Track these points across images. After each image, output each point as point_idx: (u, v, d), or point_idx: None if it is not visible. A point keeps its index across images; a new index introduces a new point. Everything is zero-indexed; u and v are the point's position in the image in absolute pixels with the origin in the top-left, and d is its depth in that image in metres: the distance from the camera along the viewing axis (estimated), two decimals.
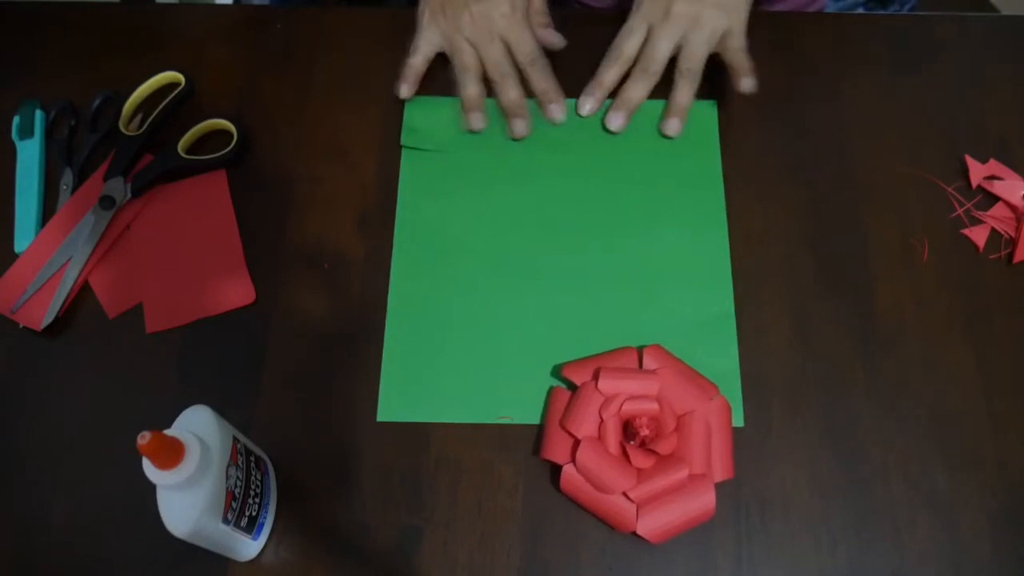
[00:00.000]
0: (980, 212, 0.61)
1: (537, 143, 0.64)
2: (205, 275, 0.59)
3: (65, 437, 0.55)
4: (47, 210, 0.62)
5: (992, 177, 0.62)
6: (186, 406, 0.46)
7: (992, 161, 0.63)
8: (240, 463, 0.47)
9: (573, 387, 0.54)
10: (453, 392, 0.56)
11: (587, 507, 0.51)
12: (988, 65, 0.67)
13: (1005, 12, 1.51)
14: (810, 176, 0.63)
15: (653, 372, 0.54)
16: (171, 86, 0.66)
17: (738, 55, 0.62)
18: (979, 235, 0.60)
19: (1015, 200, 0.61)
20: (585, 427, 0.52)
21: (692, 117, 0.64)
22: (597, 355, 0.56)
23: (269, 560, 0.51)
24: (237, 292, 0.58)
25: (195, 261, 0.60)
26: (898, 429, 0.54)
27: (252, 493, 0.48)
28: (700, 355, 0.56)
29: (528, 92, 0.65)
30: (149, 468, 0.42)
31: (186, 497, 0.43)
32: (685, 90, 0.63)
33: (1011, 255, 0.59)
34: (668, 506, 0.50)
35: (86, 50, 0.68)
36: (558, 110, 0.64)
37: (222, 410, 0.47)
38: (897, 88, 0.66)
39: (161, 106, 0.64)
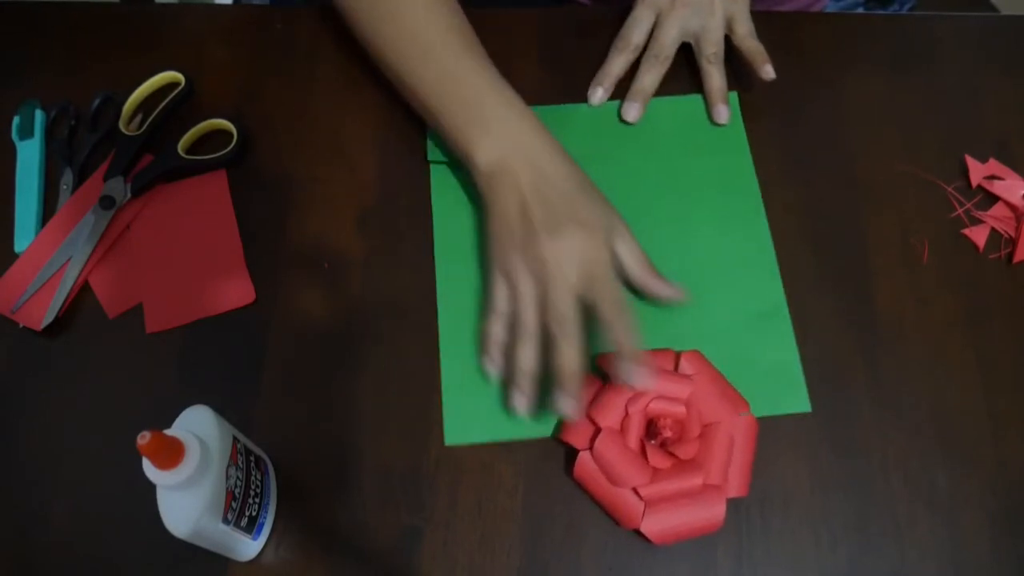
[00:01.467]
0: (980, 212, 0.61)
1: (568, 149, 0.63)
2: (205, 275, 0.59)
3: (65, 437, 0.55)
4: (47, 210, 0.62)
5: (992, 177, 0.62)
6: (186, 406, 0.46)
7: (992, 161, 0.63)
8: (240, 463, 0.47)
9: (607, 378, 0.54)
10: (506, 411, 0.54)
11: (596, 497, 0.51)
12: (988, 65, 0.67)
13: (1005, 12, 1.51)
14: (810, 175, 0.63)
15: (687, 376, 0.53)
16: (171, 86, 0.66)
17: (750, 41, 0.63)
18: (979, 235, 0.60)
19: (1015, 200, 0.61)
20: (609, 417, 0.52)
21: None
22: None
23: (269, 560, 0.51)
24: (237, 292, 0.58)
25: (195, 261, 0.60)
26: (898, 427, 0.54)
27: (252, 493, 0.48)
28: (756, 349, 0.56)
29: None
30: (149, 468, 0.42)
31: (186, 497, 0.43)
32: (717, 75, 0.64)
33: (1011, 255, 0.59)
34: (677, 510, 0.50)
35: (86, 50, 0.68)
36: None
37: (222, 410, 0.47)
38: (897, 88, 0.66)
39: (161, 106, 0.64)
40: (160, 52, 0.68)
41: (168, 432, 0.42)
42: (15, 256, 0.60)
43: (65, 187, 0.62)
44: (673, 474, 0.51)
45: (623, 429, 0.52)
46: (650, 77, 0.64)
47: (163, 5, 0.74)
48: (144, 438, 0.39)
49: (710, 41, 0.63)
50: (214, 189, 0.62)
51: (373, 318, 0.58)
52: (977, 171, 0.62)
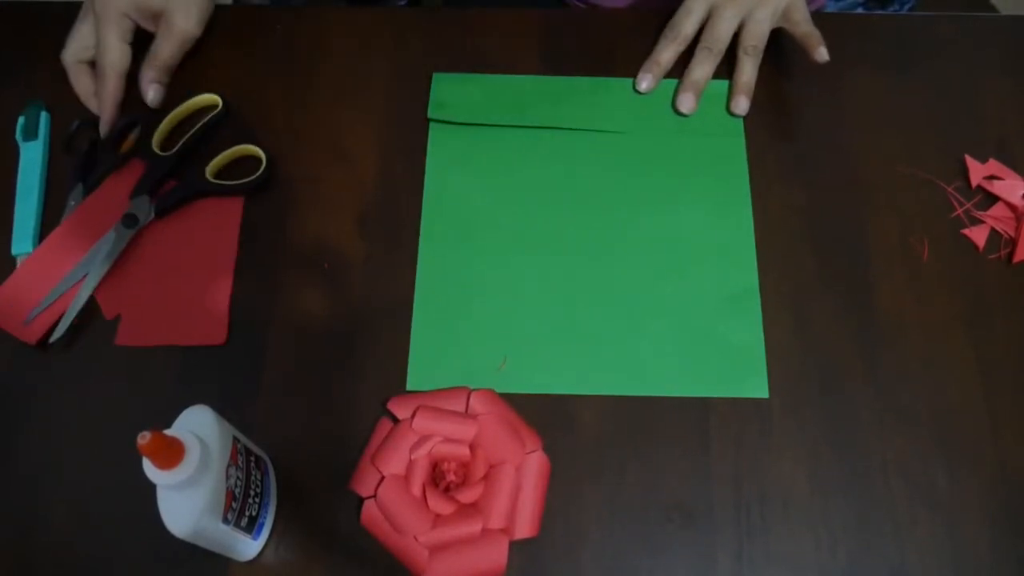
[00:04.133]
0: (980, 212, 0.61)
1: (564, 121, 0.65)
2: (187, 304, 0.58)
3: (65, 437, 0.55)
4: (47, 214, 0.61)
5: (992, 177, 0.62)
6: (186, 406, 0.46)
7: (992, 161, 0.63)
8: (240, 463, 0.47)
9: (396, 421, 0.54)
10: (479, 363, 0.56)
11: (384, 544, 0.51)
12: (988, 65, 0.67)
13: (1005, 12, 1.51)
14: (810, 176, 0.63)
15: (473, 417, 0.53)
16: (207, 108, 0.65)
17: (807, 27, 0.64)
18: (979, 235, 0.60)
19: (1015, 200, 0.61)
20: (393, 464, 0.52)
21: (715, 97, 0.66)
22: (429, 392, 0.55)
23: (269, 560, 0.51)
24: (211, 330, 0.57)
25: (183, 288, 0.59)
26: (898, 427, 0.54)
27: (252, 493, 0.48)
28: (723, 329, 0.57)
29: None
30: (149, 468, 0.42)
31: (186, 497, 0.43)
32: (750, 68, 0.64)
33: (1011, 255, 0.59)
34: (457, 557, 0.49)
35: None
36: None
37: (222, 410, 0.47)
38: (897, 88, 0.66)
39: (195, 128, 0.63)
40: None
41: (168, 432, 0.42)
42: (10, 258, 0.60)
43: (73, 203, 0.61)
44: (454, 520, 0.50)
45: (408, 475, 0.51)
46: (703, 69, 0.65)
47: None
48: (144, 438, 0.39)
49: (752, 33, 0.64)
50: (226, 216, 0.61)
51: (373, 318, 0.58)
52: (977, 171, 0.62)
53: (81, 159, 0.63)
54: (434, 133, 0.65)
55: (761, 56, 0.65)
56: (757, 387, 0.55)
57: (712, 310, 0.58)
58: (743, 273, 0.59)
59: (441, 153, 0.64)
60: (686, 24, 0.65)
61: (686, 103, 0.64)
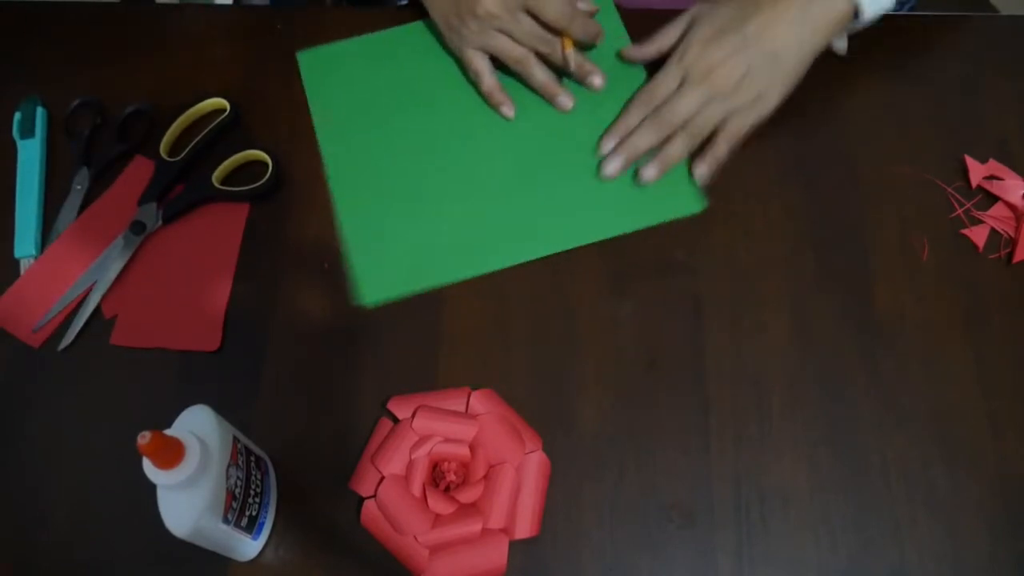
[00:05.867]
0: (980, 212, 0.61)
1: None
2: (184, 309, 0.58)
3: (66, 437, 0.55)
4: (48, 212, 0.61)
5: (992, 177, 0.62)
6: (186, 406, 0.46)
7: (992, 161, 0.63)
8: (240, 463, 0.47)
9: (396, 420, 0.54)
10: (420, 260, 0.59)
11: (384, 544, 0.51)
12: (988, 65, 0.67)
13: (1005, 12, 1.50)
14: (810, 176, 0.63)
15: (473, 417, 0.53)
16: (216, 112, 0.65)
17: (721, 141, 0.60)
18: (979, 235, 0.60)
19: (1015, 200, 0.61)
20: (393, 465, 0.52)
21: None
22: (428, 392, 0.55)
23: (269, 560, 0.51)
24: (205, 336, 0.57)
25: (181, 292, 0.59)
26: (897, 427, 0.54)
27: (252, 493, 0.48)
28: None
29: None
30: (149, 468, 0.42)
31: (186, 497, 0.43)
32: (678, 146, 0.61)
33: (1010, 255, 0.59)
34: (457, 557, 0.49)
35: (86, 50, 0.68)
36: (600, 79, 0.64)
37: (222, 410, 0.47)
38: (897, 88, 0.66)
39: (204, 133, 0.63)
40: (160, 52, 0.68)
41: (168, 432, 0.42)
42: (13, 261, 0.60)
43: (79, 187, 0.61)
44: (454, 520, 0.50)
45: (408, 475, 0.51)
46: (645, 138, 0.61)
47: (163, 5, 0.74)
48: (144, 438, 0.39)
49: (703, 122, 0.60)
50: (230, 223, 0.61)
51: (373, 318, 0.58)
52: (977, 171, 0.62)
53: (84, 141, 0.62)
54: (304, 62, 0.66)
55: (696, 144, 0.61)
56: (689, 202, 0.57)
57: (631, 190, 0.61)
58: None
59: (317, 80, 0.66)
60: (660, 93, 0.62)
61: (610, 167, 0.61)
